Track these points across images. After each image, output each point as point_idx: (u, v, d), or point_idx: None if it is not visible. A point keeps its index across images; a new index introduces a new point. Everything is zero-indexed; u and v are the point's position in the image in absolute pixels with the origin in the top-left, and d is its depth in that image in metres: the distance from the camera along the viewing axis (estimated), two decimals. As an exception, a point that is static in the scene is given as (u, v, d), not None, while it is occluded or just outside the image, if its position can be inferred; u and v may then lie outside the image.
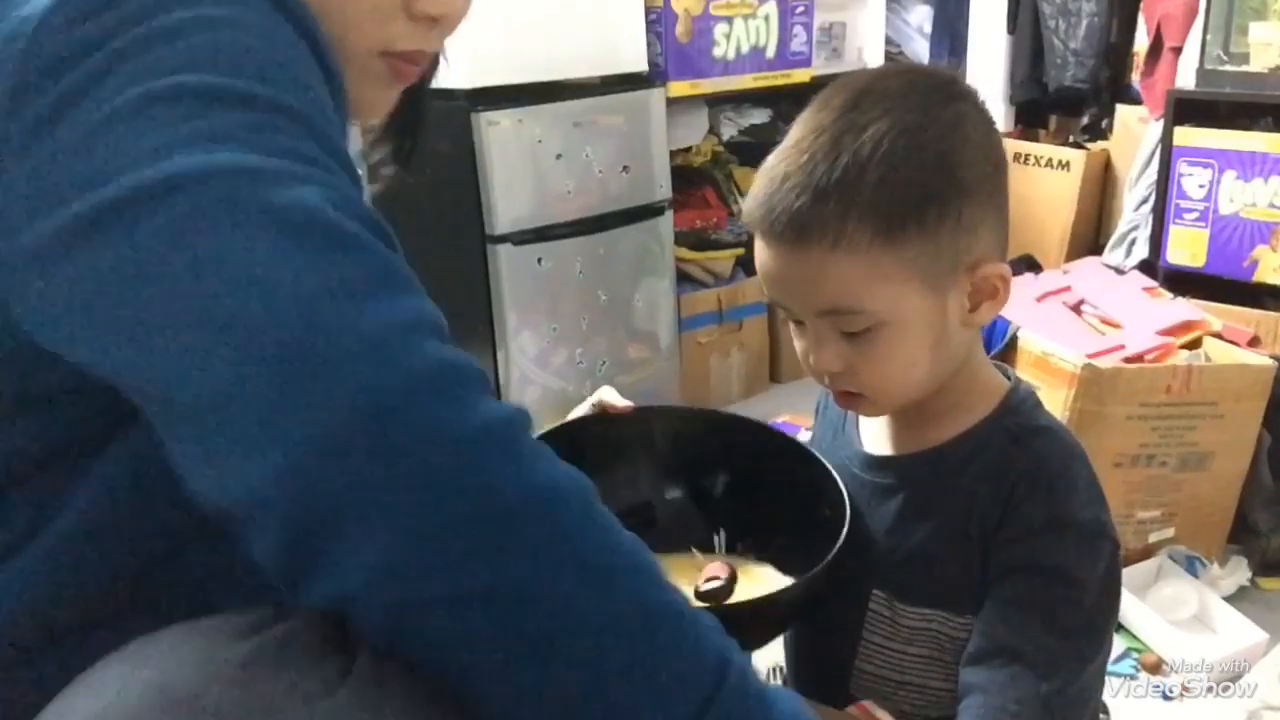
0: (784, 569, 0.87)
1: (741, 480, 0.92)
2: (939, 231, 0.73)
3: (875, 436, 0.88)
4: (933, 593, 0.81)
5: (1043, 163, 3.02)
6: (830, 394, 0.92)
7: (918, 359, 0.77)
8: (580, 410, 0.93)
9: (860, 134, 0.73)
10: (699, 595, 0.78)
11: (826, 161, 0.73)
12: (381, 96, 0.70)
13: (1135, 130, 2.82)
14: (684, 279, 2.87)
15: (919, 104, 0.75)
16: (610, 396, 0.92)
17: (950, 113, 0.75)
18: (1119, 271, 2.54)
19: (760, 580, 0.86)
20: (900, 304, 0.75)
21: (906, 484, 0.83)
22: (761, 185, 0.77)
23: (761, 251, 0.78)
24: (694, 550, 0.90)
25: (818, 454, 0.87)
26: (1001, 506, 0.77)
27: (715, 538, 0.91)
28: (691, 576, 0.85)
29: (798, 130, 0.77)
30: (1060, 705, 0.73)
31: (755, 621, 0.78)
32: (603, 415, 0.91)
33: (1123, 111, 2.95)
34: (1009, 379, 0.85)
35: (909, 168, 0.72)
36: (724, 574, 0.80)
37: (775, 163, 0.76)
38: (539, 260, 2.47)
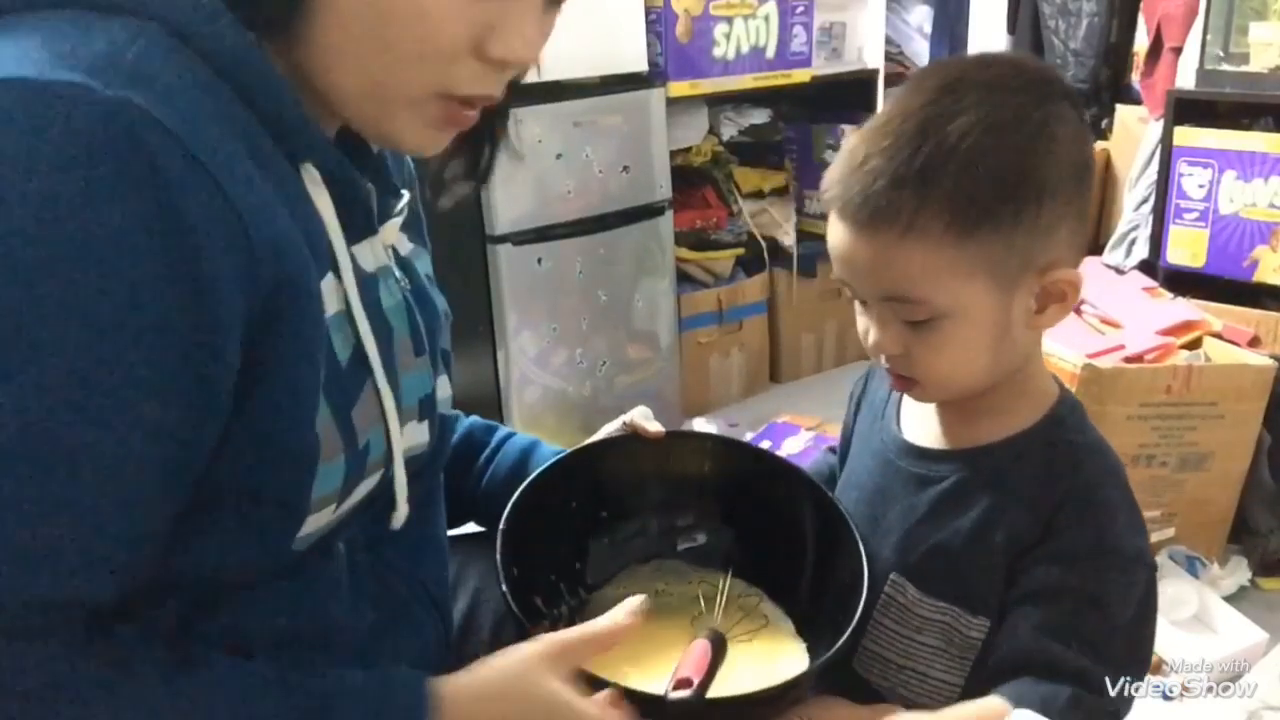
0: (796, 619, 0.86)
1: (766, 523, 0.90)
2: (1013, 231, 0.73)
3: (917, 426, 0.87)
4: (951, 588, 0.81)
5: (1043, 163, 3.01)
6: (871, 379, 0.92)
7: (976, 354, 0.77)
8: (611, 428, 0.92)
9: (947, 124, 0.72)
10: (670, 705, 0.69)
11: (910, 148, 0.72)
12: (431, 138, 0.68)
13: (1135, 130, 2.81)
14: (684, 279, 2.86)
15: (1012, 100, 0.73)
16: (641, 418, 0.91)
17: (1042, 113, 0.74)
18: (1119, 271, 2.54)
19: (770, 638, 0.84)
20: (964, 299, 0.74)
21: (943, 478, 0.83)
22: (841, 163, 0.76)
23: (833, 228, 0.77)
24: (704, 583, 0.88)
25: (852, 521, 0.84)
26: (1042, 525, 0.76)
27: (723, 579, 0.87)
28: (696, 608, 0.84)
29: (886, 110, 0.76)
30: (1093, 706, 0.72)
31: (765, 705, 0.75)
32: (633, 436, 0.90)
33: (1123, 111, 2.94)
34: (1058, 387, 0.84)
35: (990, 165, 0.71)
36: (698, 673, 0.72)
37: (858, 142, 0.75)
38: (539, 260, 2.47)
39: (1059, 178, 0.74)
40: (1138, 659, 0.77)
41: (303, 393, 0.62)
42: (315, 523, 0.66)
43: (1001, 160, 0.72)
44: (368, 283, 0.69)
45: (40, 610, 0.54)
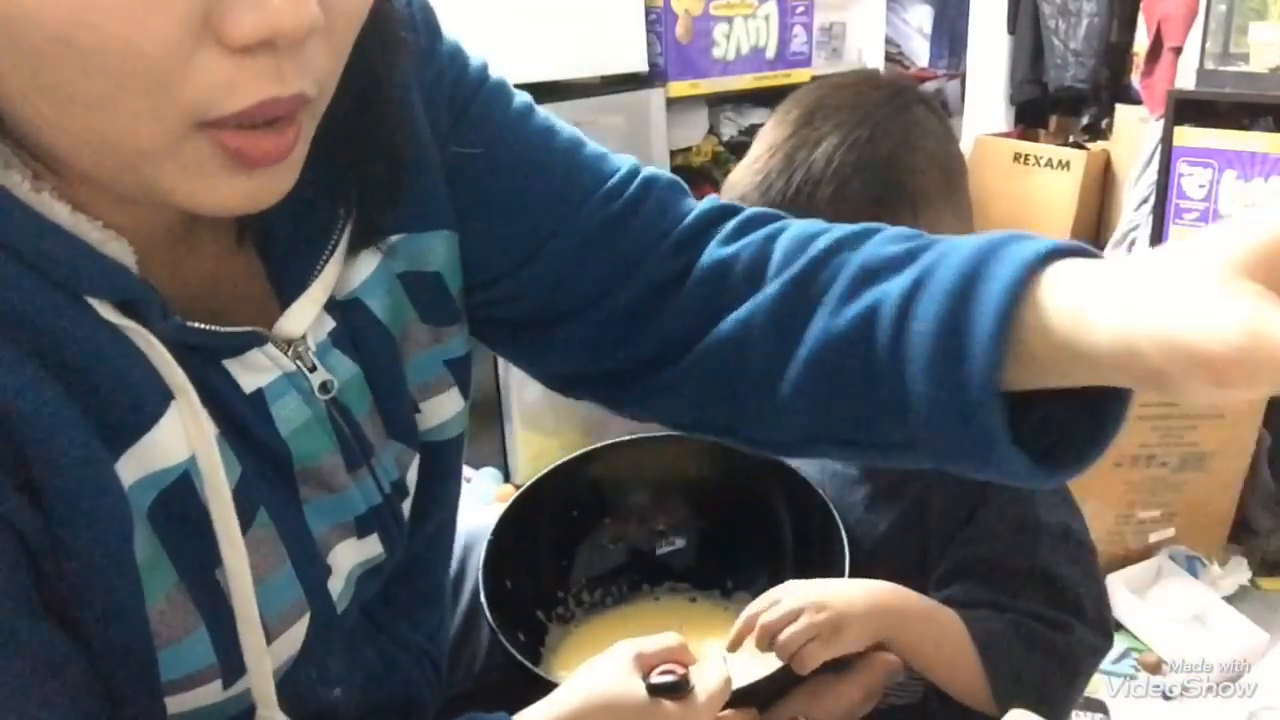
0: None
1: (745, 520, 0.92)
2: None
3: None
4: (898, 579, 0.81)
5: (1043, 163, 3.02)
6: None
7: None
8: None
9: (812, 150, 0.74)
10: (651, 689, 0.68)
11: (781, 179, 0.75)
12: (236, 189, 0.44)
13: (1135, 130, 2.81)
14: (684, 279, 2.86)
15: (869, 116, 0.76)
16: None
17: (900, 122, 0.76)
18: (1119, 271, 2.54)
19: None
20: None
21: (870, 475, 0.86)
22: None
23: None
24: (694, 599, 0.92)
25: (831, 505, 0.84)
26: (968, 510, 0.79)
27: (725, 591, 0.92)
28: (686, 623, 0.86)
29: (755, 147, 0.79)
30: (1045, 637, 0.74)
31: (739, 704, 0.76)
32: (621, 443, 0.92)
33: (1123, 111, 2.94)
34: None
35: (859, 181, 0.74)
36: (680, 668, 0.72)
37: (735, 180, 0.79)
38: (539, 260, 2.46)
39: (929, 181, 0.76)
40: (1095, 616, 0.78)
41: (111, 582, 0.48)
42: (209, 695, 0.53)
43: (869, 176, 0.74)
44: (242, 409, 0.54)
45: None
